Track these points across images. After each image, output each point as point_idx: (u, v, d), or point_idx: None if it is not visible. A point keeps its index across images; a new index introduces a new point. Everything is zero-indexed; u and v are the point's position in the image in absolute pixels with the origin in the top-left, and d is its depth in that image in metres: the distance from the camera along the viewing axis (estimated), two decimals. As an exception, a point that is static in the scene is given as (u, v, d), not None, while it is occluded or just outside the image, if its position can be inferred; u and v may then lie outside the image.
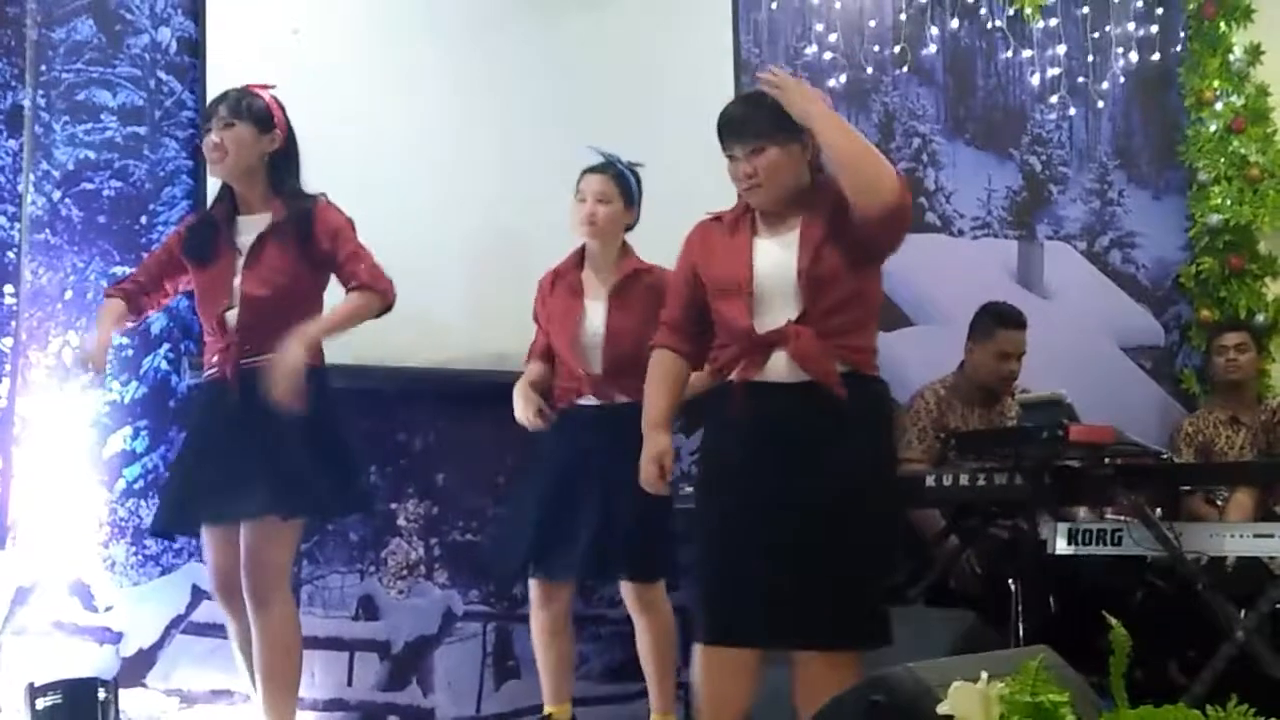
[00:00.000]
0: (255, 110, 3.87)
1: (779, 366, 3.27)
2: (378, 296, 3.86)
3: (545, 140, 5.04)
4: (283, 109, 3.92)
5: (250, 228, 3.86)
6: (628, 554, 4.11)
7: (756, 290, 3.29)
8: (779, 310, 3.28)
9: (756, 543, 3.23)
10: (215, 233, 3.89)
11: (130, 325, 4.11)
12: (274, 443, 3.73)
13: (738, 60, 5.55)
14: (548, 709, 4.35)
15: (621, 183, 4.31)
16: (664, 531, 4.07)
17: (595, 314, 4.26)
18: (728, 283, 3.33)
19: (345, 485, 3.90)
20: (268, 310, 3.78)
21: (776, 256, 3.31)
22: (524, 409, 4.23)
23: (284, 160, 3.90)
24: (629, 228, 4.35)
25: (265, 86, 3.93)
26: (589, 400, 4.21)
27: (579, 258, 4.38)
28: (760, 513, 3.23)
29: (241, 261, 3.83)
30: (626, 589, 4.23)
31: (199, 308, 3.94)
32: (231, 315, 3.81)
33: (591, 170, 4.34)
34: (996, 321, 5.27)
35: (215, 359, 3.83)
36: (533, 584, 4.31)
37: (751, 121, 3.32)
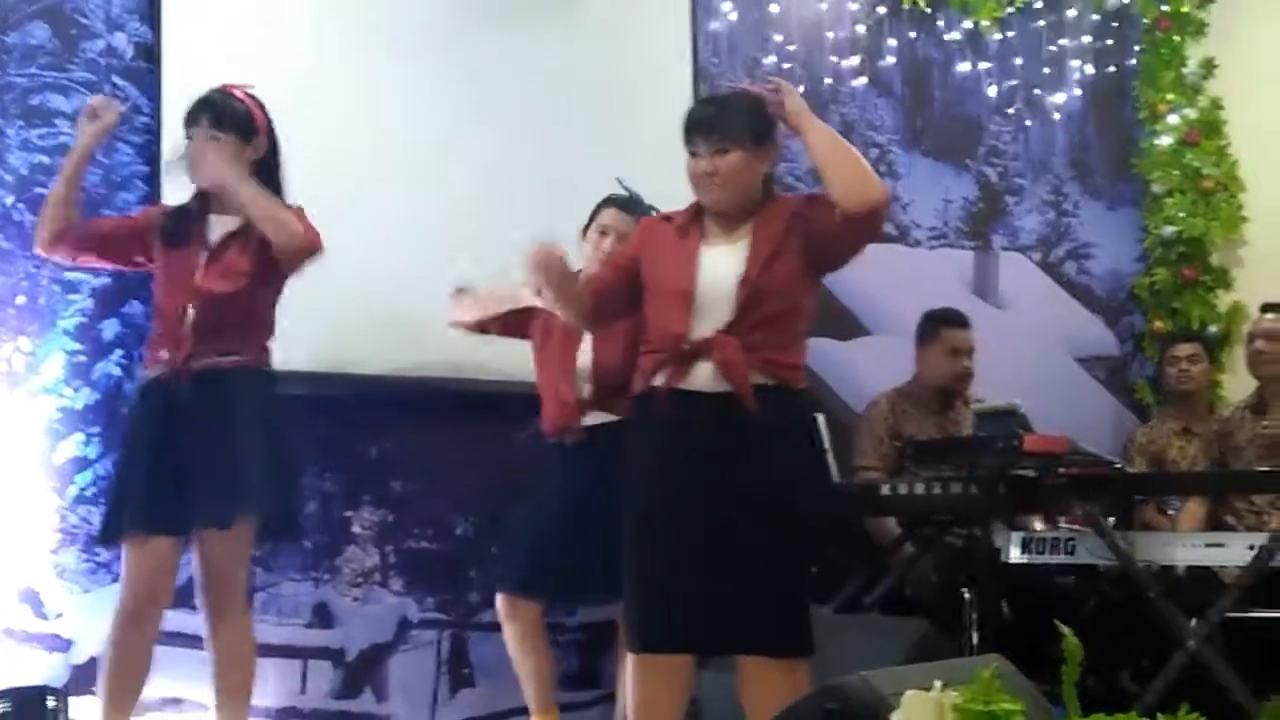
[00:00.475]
0: (239, 119, 3.82)
1: (704, 375, 3.26)
2: (302, 233, 3.76)
3: (508, 147, 5.04)
4: (265, 113, 3.88)
5: (220, 227, 3.82)
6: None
7: (698, 298, 3.28)
8: (714, 319, 3.28)
9: (676, 551, 3.22)
10: (190, 221, 3.85)
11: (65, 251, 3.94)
12: (233, 448, 3.68)
13: (696, 70, 5.56)
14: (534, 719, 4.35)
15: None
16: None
17: (588, 341, 4.30)
18: (671, 286, 3.32)
19: (288, 509, 3.86)
20: (223, 310, 3.74)
21: (722, 265, 3.30)
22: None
23: (265, 169, 3.85)
24: None
25: (245, 87, 3.88)
26: (581, 423, 4.23)
27: None
28: (679, 521, 3.23)
29: (204, 256, 3.79)
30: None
31: (157, 295, 3.86)
32: (190, 312, 3.76)
33: (616, 205, 4.32)
34: (940, 323, 5.34)
35: (164, 355, 3.76)
36: (499, 598, 4.31)
37: (720, 122, 3.32)
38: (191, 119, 3.84)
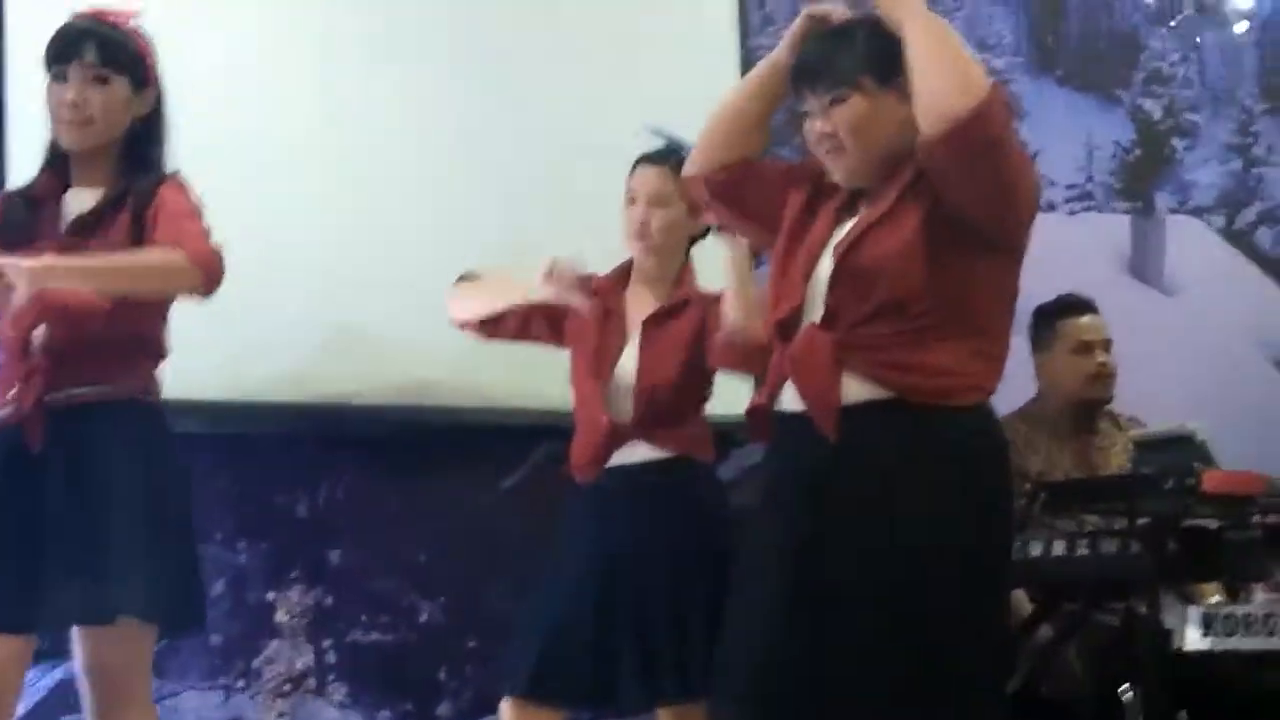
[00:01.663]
0: (132, 57, 3.76)
1: (793, 388, 3.23)
2: (201, 275, 3.66)
3: (508, 111, 5.17)
4: (154, 55, 3.83)
5: (79, 203, 3.76)
6: (671, 673, 4.11)
7: (812, 286, 3.24)
8: (816, 311, 3.23)
9: (760, 615, 3.17)
10: (35, 208, 3.82)
11: None
12: (108, 515, 3.66)
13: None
14: None
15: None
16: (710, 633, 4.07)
17: (633, 347, 4.30)
18: (786, 267, 3.29)
19: (186, 585, 3.85)
20: (87, 324, 3.71)
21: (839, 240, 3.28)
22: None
23: (147, 132, 3.80)
24: (696, 239, 4.31)
25: (125, 14, 3.81)
26: (612, 463, 4.23)
27: (625, 272, 4.38)
28: (769, 577, 3.17)
29: (57, 251, 3.76)
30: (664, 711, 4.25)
31: None
32: (39, 333, 3.74)
33: (646, 160, 4.31)
34: (1055, 315, 5.32)
35: (14, 392, 3.73)
36: (504, 704, 4.30)
37: (832, 63, 3.25)
38: (64, 52, 3.80)
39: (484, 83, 5.22)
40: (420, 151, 5.10)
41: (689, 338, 4.25)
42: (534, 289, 4.35)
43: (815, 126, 3.26)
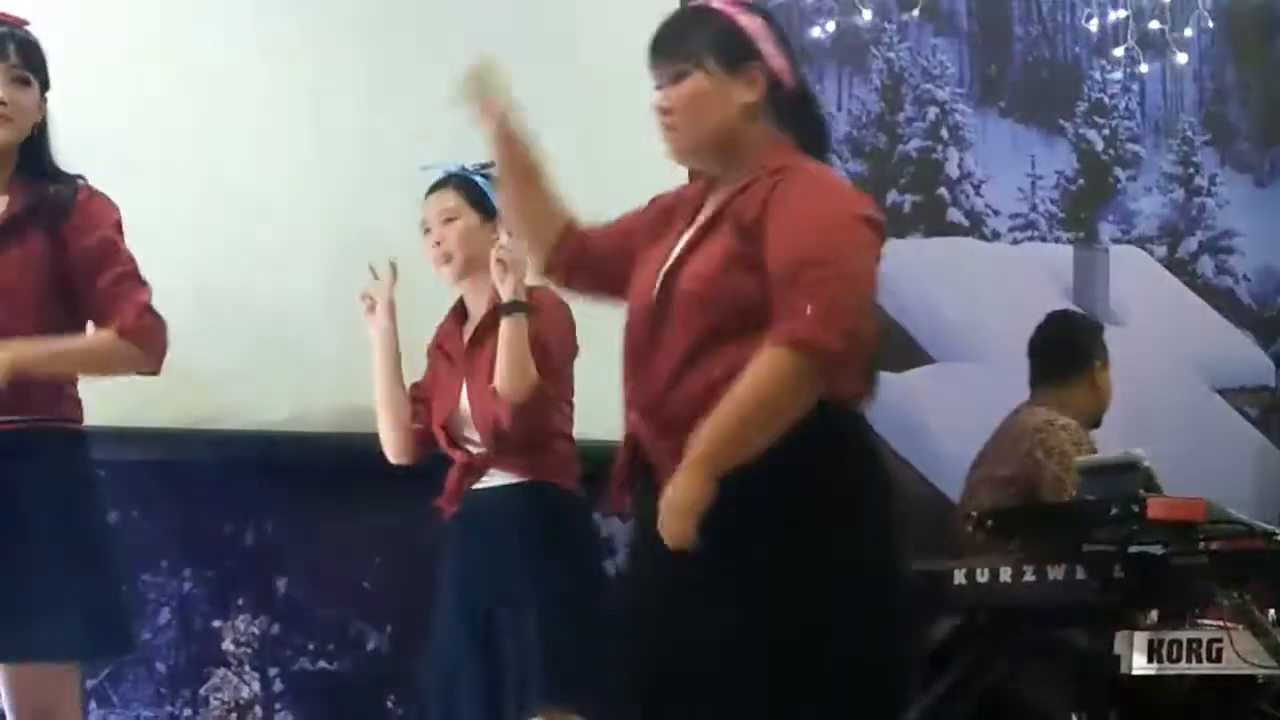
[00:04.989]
0: (43, 62, 3.76)
1: None
2: (141, 354, 3.73)
3: (425, 113, 5.04)
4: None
5: None
6: (539, 682, 4.10)
7: (652, 311, 3.11)
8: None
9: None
10: None
11: None
12: (29, 548, 3.62)
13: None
14: None
15: (468, 190, 4.28)
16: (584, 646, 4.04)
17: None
18: (632, 295, 3.18)
19: (104, 613, 3.80)
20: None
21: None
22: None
23: (44, 131, 3.80)
24: None
25: (18, 22, 3.80)
26: (475, 485, 4.25)
27: (456, 313, 4.40)
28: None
29: None
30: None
31: None
32: None
33: (429, 192, 4.36)
34: (1102, 331, 5.38)
35: None
36: None
37: (676, 37, 3.17)
38: None
39: (398, 97, 5.16)
40: (343, 170, 5.07)
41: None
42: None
43: (655, 100, 3.17)
